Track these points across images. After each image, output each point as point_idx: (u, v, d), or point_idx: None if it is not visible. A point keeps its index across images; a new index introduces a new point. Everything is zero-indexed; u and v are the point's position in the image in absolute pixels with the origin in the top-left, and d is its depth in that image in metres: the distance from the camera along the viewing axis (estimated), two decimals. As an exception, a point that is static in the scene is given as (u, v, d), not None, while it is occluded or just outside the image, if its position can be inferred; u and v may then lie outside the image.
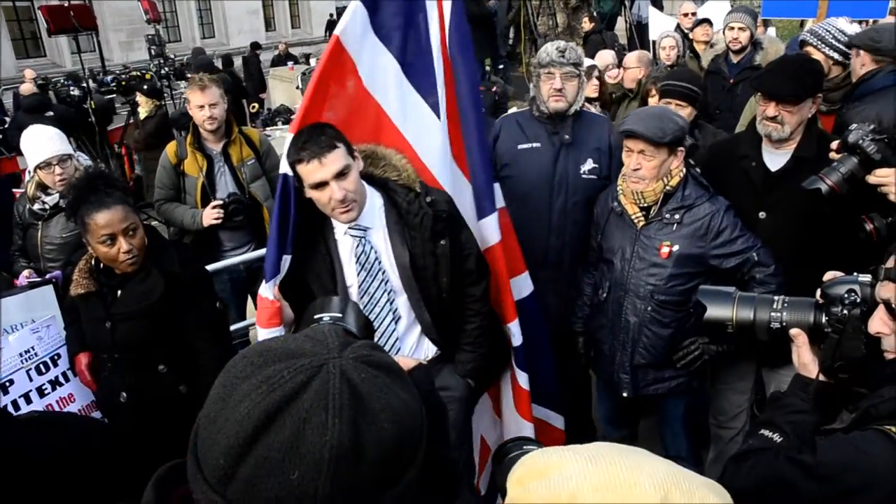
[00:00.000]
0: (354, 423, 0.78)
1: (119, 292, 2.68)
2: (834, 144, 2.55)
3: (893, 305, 1.45)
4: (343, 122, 2.50)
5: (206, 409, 0.84)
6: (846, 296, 1.58)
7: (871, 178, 2.42)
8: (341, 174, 2.24)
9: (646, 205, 2.74)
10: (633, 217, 2.77)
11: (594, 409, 3.62)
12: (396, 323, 2.47)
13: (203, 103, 3.95)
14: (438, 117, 2.73)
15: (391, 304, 2.45)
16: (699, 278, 2.65)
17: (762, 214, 2.79)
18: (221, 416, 0.80)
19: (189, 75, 9.72)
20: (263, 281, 2.48)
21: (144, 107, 7.71)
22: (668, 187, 2.70)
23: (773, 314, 1.72)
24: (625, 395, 2.93)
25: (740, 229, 2.68)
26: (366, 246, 2.41)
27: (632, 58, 5.38)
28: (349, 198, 2.27)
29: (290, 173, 2.35)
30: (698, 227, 2.68)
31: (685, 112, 3.47)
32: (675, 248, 2.68)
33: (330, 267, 2.43)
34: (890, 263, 1.47)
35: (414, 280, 2.43)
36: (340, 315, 1.32)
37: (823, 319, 1.64)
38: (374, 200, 2.44)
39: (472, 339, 2.60)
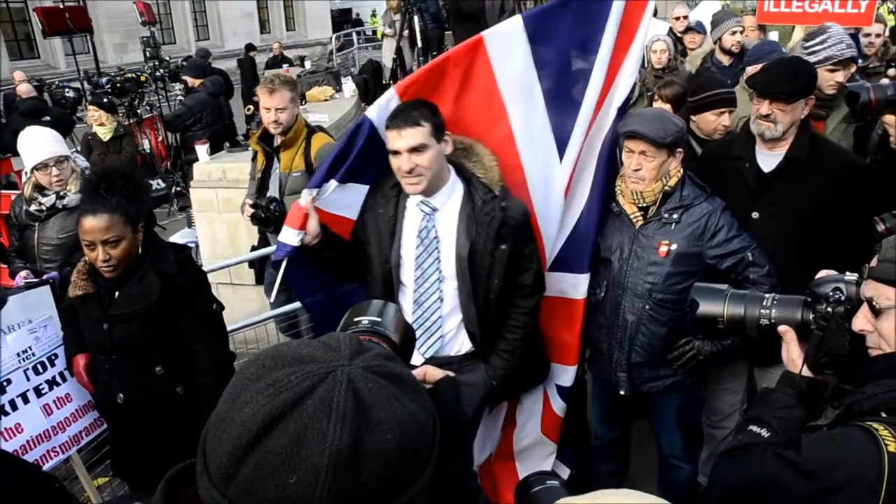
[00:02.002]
0: (356, 432, 0.78)
1: (116, 294, 2.69)
2: (892, 71, 2.63)
3: (875, 304, 1.47)
4: (462, 112, 2.68)
5: (217, 408, 0.85)
6: (831, 293, 1.61)
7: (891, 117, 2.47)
8: (415, 149, 2.40)
9: (645, 204, 2.76)
10: (631, 217, 2.79)
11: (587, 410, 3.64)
12: (441, 303, 2.59)
13: (270, 106, 3.94)
14: (560, 159, 2.82)
15: (440, 283, 2.56)
16: (696, 277, 2.65)
17: (755, 215, 2.82)
18: (229, 416, 0.81)
19: (183, 77, 9.72)
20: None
21: (107, 124, 6.53)
22: (666, 187, 2.72)
23: (762, 311, 1.74)
24: (622, 393, 2.95)
25: (737, 229, 2.71)
26: (429, 223, 2.55)
27: None
28: (416, 171, 2.42)
29: (372, 120, 2.61)
30: (696, 226, 2.70)
31: (728, 116, 3.48)
32: (674, 246, 2.71)
33: (392, 230, 2.58)
34: (874, 263, 1.49)
35: (468, 272, 2.53)
36: (379, 319, 1.29)
37: (810, 317, 1.66)
38: (455, 188, 2.58)
39: (511, 349, 2.68)
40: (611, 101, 2.85)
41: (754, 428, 1.60)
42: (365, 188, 2.70)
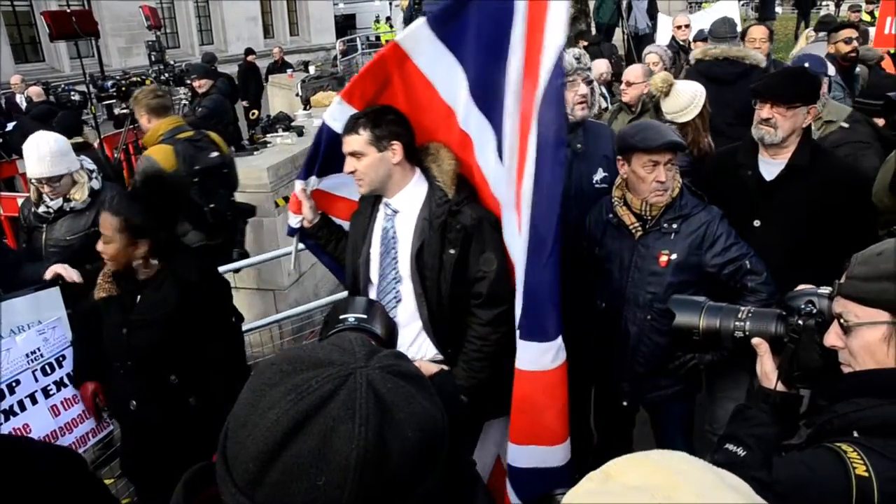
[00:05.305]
0: (380, 432, 0.80)
1: (138, 298, 2.68)
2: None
3: (843, 321, 1.46)
4: (417, 115, 2.65)
5: (235, 412, 0.86)
6: (803, 306, 1.61)
7: None
8: (354, 154, 2.54)
9: (650, 216, 2.75)
10: (630, 227, 2.78)
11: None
12: (398, 303, 2.62)
13: None
14: (501, 160, 2.52)
15: (397, 283, 2.62)
16: (696, 287, 2.68)
17: (756, 222, 2.85)
18: (251, 421, 0.82)
19: (188, 81, 9.75)
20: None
21: None
22: (670, 198, 2.73)
23: (736, 323, 1.75)
24: (625, 403, 2.96)
25: (734, 237, 2.72)
26: (389, 224, 2.64)
27: (637, 71, 5.34)
28: (356, 175, 2.56)
29: (328, 123, 2.77)
30: (695, 236, 2.71)
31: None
32: (674, 256, 2.71)
33: (365, 228, 2.72)
34: (843, 279, 1.49)
35: (417, 273, 2.55)
36: (365, 316, 1.33)
37: (782, 330, 1.66)
38: (417, 191, 2.61)
39: (469, 360, 2.57)
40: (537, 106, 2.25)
41: (730, 447, 1.60)
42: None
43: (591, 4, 10.96)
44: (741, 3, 16.33)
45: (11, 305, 2.89)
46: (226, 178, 4.89)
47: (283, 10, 30.19)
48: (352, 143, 2.53)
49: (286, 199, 5.93)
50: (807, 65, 4.06)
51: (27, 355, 2.85)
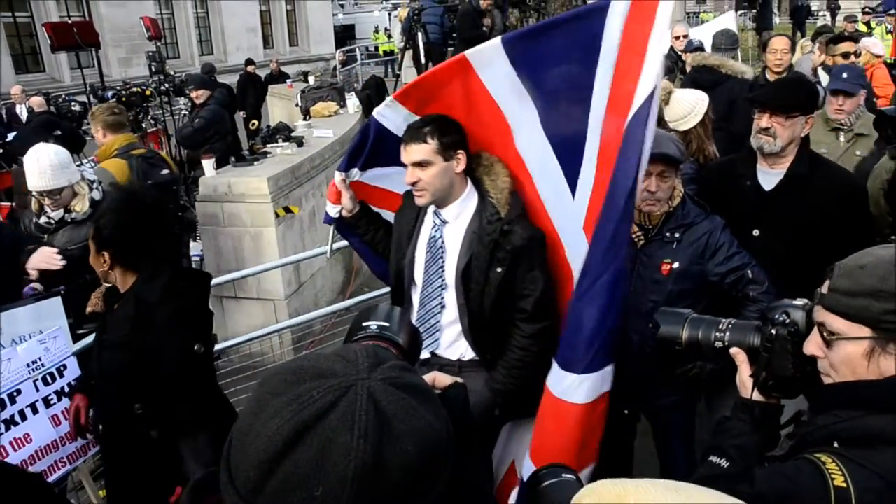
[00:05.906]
0: (378, 445, 0.80)
1: (112, 316, 2.59)
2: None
3: (824, 332, 1.46)
4: (472, 128, 2.65)
5: (239, 421, 0.87)
6: (777, 316, 1.63)
7: None
8: (419, 164, 2.50)
9: (651, 225, 2.76)
10: (632, 236, 2.76)
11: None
12: (442, 309, 2.67)
13: None
14: (573, 194, 2.57)
15: (443, 291, 2.65)
16: (697, 296, 2.69)
17: (756, 232, 2.86)
18: (253, 430, 0.83)
19: (187, 91, 9.79)
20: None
21: None
22: (670, 207, 2.74)
23: (716, 334, 1.78)
24: (626, 411, 2.96)
25: (736, 246, 2.72)
26: (437, 233, 2.66)
27: None
28: (419, 185, 2.52)
29: (377, 119, 2.79)
30: (697, 245, 2.71)
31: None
32: (676, 265, 2.71)
33: (411, 231, 2.74)
34: (825, 289, 1.48)
35: (462, 286, 2.57)
36: (387, 324, 1.32)
37: (758, 341, 1.69)
38: (468, 203, 2.62)
39: (509, 366, 2.65)
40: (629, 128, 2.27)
41: (714, 458, 1.61)
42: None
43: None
44: (739, 13, 16.43)
45: (13, 315, 2.91)
46: (175, 195, 5.14)
47: (282, 20, 30.32)
48: (418, 151, 2.48)
49: (286, 209, 5.95)
50: (844, 75, 4.07)
51: (28, 365, 2.86)
